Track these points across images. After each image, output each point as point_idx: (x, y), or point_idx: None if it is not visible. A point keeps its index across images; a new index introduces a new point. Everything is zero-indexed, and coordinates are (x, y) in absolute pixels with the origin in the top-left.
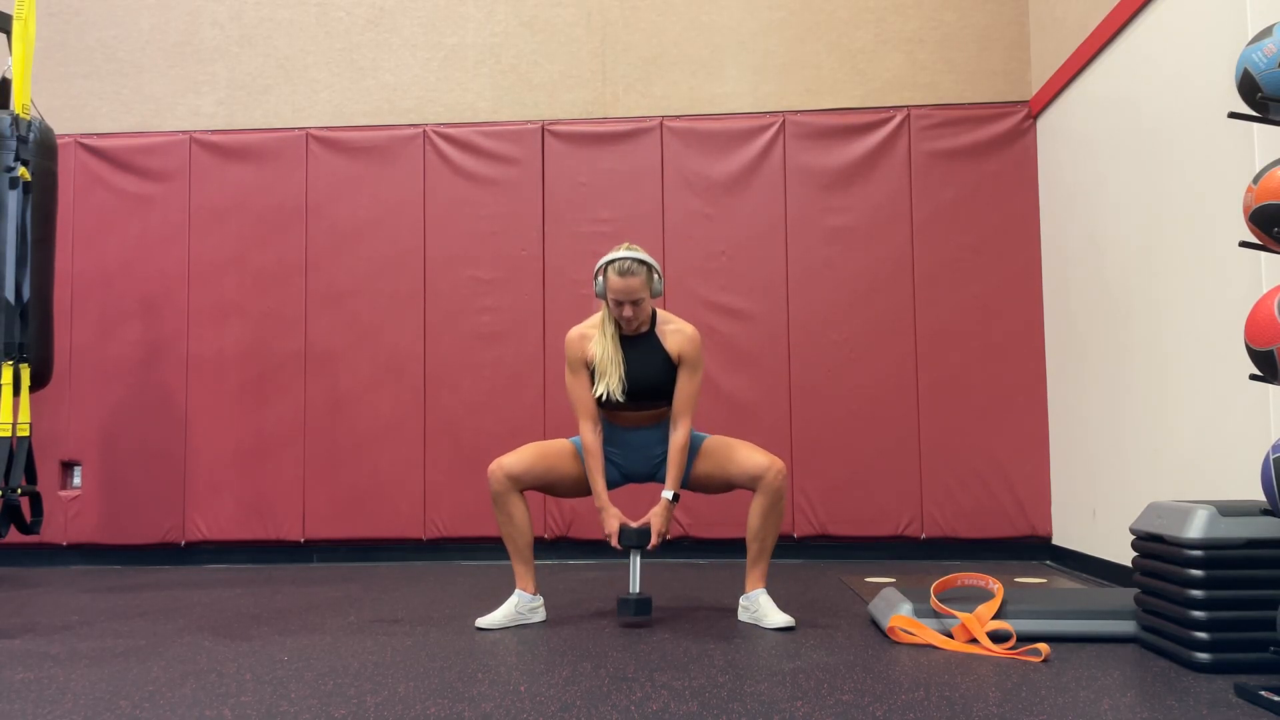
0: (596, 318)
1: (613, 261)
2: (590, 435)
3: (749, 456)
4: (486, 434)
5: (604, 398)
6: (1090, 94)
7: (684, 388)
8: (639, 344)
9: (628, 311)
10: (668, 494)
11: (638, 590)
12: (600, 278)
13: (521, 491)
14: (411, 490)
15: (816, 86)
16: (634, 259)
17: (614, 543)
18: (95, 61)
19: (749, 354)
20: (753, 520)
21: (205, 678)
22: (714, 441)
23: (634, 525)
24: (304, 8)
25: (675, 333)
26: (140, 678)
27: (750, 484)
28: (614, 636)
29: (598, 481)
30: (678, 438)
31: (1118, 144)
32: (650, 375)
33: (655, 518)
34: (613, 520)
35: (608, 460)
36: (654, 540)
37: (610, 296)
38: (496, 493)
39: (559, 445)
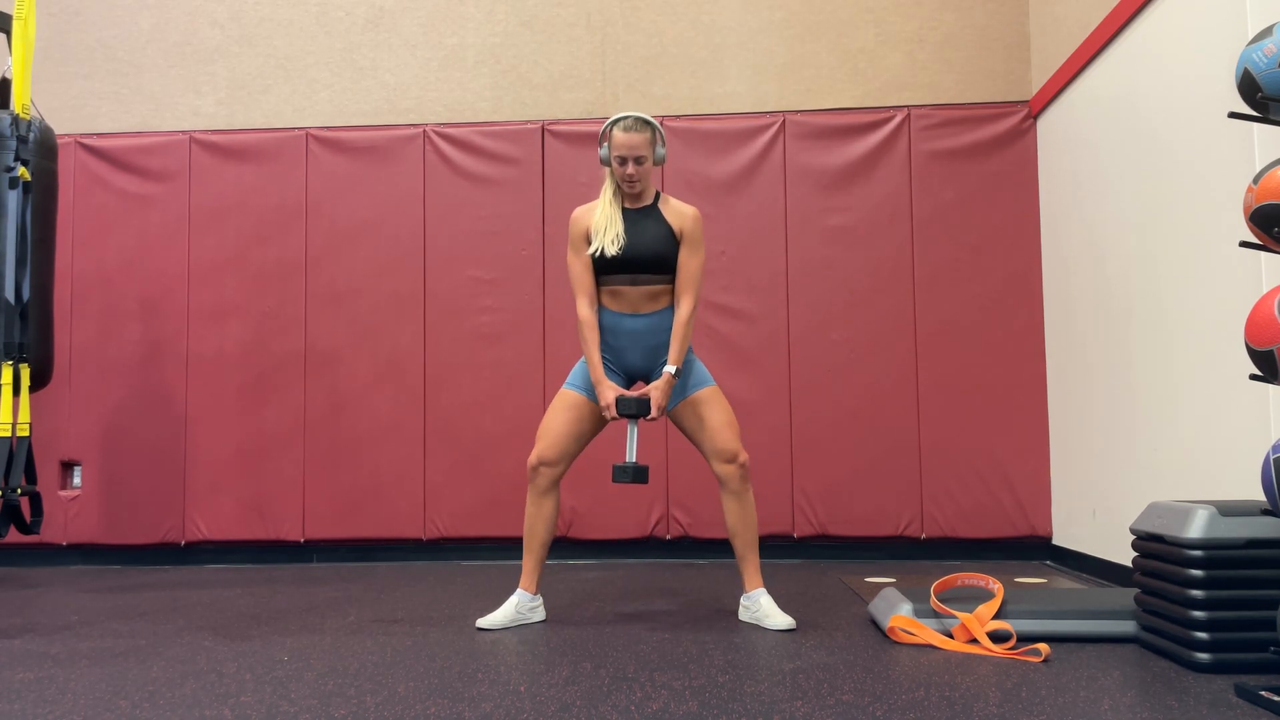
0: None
1: (618, 120)
2: (587, 311)
3: (721, 438)
4: (486, 434)
5: (599, 253)
6: (1090, 94)
7: (686, 264)
8: (641, 213)
9: (630, 169)
10: (670, 368)
11: (634, 460)
12: (605, 143)
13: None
14: (411, 490)
15: (816, 86)
16: (638, 117)
17: (610, 414)
18: (95, 61)
19: (749, 354)
20: (727, 519)
21: (205, 678)
22: (710, 395)
23: (633, 395)
24: (304, 8)
25: (678, 207)
26: (140, 678)
27: (710, 463)
28: (614, 636)
29: (593, 355)
30: (681, 314)
31: (1118, 144)
32: (650, 242)
33: (655, 390)
34: (609, 392)
35: (606, 365)
36: (653, 412)
37: (614, 154)
38: (540, 488)
39: (568, 402)
